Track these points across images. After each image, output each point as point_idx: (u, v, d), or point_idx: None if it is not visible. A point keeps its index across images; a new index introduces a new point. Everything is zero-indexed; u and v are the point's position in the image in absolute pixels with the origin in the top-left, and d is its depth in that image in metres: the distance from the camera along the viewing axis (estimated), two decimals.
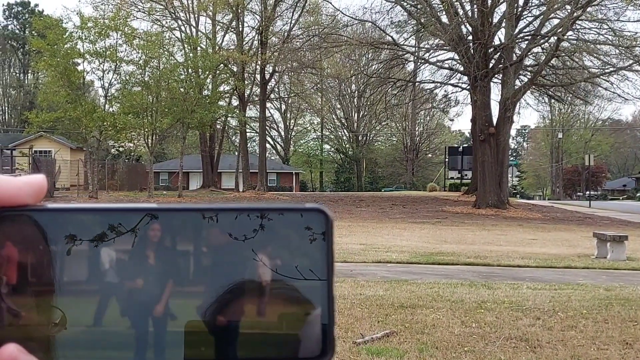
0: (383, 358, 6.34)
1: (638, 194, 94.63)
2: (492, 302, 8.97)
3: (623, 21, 42.51)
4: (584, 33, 39.77)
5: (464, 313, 8.22)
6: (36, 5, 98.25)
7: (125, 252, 0.68)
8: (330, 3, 68.88)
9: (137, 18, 54.21)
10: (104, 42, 42.98)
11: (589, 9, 37.05)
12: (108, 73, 44.12)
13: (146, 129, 43.99)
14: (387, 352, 6.48)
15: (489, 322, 7.73)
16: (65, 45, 42.31)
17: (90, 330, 0.67)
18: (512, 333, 7.22)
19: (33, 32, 51.00)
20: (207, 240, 0.70)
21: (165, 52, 45.94)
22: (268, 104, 73.14)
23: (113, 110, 44.52)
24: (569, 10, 36.61)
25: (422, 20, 42.38)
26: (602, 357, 6.47)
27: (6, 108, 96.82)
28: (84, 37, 42.46)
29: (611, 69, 39.25)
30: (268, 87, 58.99)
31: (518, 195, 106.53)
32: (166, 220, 0.70)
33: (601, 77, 40.70)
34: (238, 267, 0.69)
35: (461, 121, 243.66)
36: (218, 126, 62.70)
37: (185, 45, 51.50)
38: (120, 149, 69.31)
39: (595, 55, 39.84)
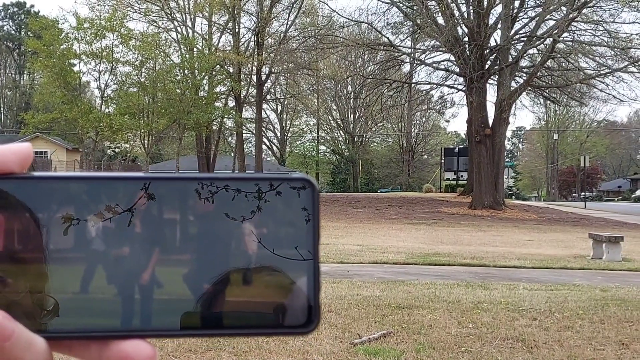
0: (380, 358, 6.36)
1: (633, 195, 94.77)
2: (488, 302, 8.99)
3: (619, 23, 42.60)
4: (580, 34, 39.86)
5: (460, 313, 8.25)
6: (32, 5, 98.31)
7: (111, 221, 0.68)
8: (327, 4, 68.98)
9: (133, 19, 54.16)
10: (100, 43, 43.01)
11: (584, 10, 37.13)
12: (104, 74, 44.13)
13: (142, 130, 43.98)
14: (384, 353, 6.50)
15: (485, 322, 7.76)
16: (62, 46, 42.28)
17: (76, 298, 0.67)
18: (509, 333, 7.25)
19: (29, 32, 51.00)
20: (194, 210, 0.69)
21: (162, 53, 45.95)
22: (264, 105, 73.19)
23: (109, 111, 44.50)
24: (564, 12, 36.67)
25: (418, 22, 42.45)
26: (599, 358, 6.49)
27: (2, 109, 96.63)
28: (80, 38, 42.46)
29: (607, 70, 39.32)
30: (264, 88, 58.99)
31: (514, 197, 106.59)
32: (152, 189, 0.69)
33: (596, 78, 40.78)
34: (224, 236, 0.69)
35: (457, 122, 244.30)
36: (214, 127, 62.60)
37: (182, 46, 51.45)
38: (117, 149, 69.21)
39: (590, 56, 39.92)
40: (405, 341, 6.91)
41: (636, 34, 37.15)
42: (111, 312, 0.68)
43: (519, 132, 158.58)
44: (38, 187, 0.66)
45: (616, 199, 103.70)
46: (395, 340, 6.95)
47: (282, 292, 0.69)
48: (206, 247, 0.70)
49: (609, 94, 42.06)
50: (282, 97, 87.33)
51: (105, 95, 44.66)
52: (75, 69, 44.77)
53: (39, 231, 0.66)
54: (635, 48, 37.46)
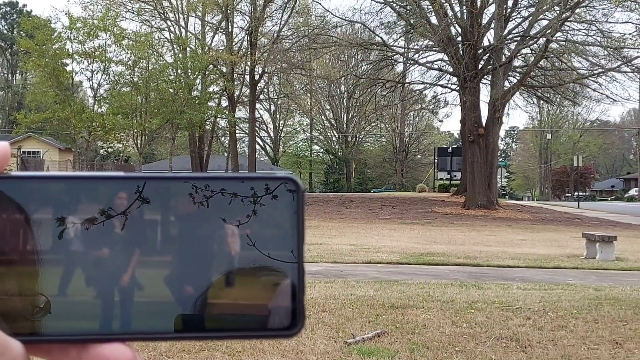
0: (374, 358, 6.33)
1: (626, 195, 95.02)
2: (482, 302, 8.98)
3: (611, 22, 42.63)
4: (573, 34, 39.93)
5: (454, 313, 8.23)
6: (24, 5, 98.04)
7: (91, 221, 0.66)
8: (320, 4, 68.91)
9: (126, 18, 54.00)
10: (93, 43, 42.89)
11: (577, 10, 37.18)
12: (97, 73, 44.01)
13: (135, 130, 43.89)
14: (378, 352, 6.47)
15: (479, 322, 7.74)
16: (54, 46, 42.17)
17: (54, 301, 0.65)
18: (503, 333, 7.23)
19: (21, 32, 50.82)
20: (176, 210, 0.68)
21: (155, 53, 45.88)
22: (257, 105, 73.11)
23: (102, 111, 44.39)
24: (557, 12, 36.72)
25: (412, 21, 42.43)
26: (593, 357, 6.48)
27: None
28: (72, 38, 42.35)
29: (600, 70, 39.38)
30: (257, 87, 58.92)
31: (507, 196, 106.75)
32: (133, 189, 0.68)
33: (590, 78, 40.85)
34: (207, 236, 0.68)
35: (450, 122, 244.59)
36: (207, 127, 62.52)
37: (175, 46, 51.37)
38: (109, 149, 69.13)
39: (583, 56, 39.99)
40: (399, 341, 6.89)
41: (629, 34, 37.23)
42: (90, 315, 0.67)
43: (512, 132, 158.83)
44: (15, 187, 0.65)
45: (609, 199, 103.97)
46: (389, 340, 6.93)
47: (265, 294, 0.68)
48: (188, 249, 0.68)
49: (602, 94, 42.19)
50: (276, 96, 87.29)
51: (98, 95, 44.56)
52: (68, 68, 44.69)
53: (16, 233, 0.64)
54: (628, 48, 37.53)
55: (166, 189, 0.69)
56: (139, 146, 45.29)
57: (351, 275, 11.91)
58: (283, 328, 0.68)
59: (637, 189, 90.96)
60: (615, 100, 43.62)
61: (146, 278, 0.68)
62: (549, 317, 8.03)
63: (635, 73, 39.72)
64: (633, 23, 37.44)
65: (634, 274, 13.24)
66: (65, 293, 0.66)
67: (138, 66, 44.08)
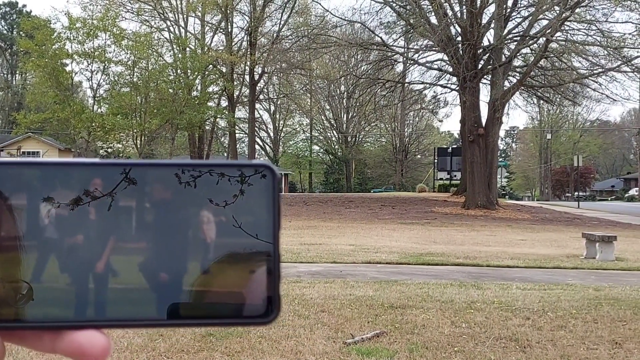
0: (373, 358, 6.33)
1: (626, 195, 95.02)
2: (481, 302, 8.97)
3: (611, 22, 42.64)
4: (573, 34, 39.89)
5: (453, 313, 8.22)
6: (24, 5, 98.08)
7: (67, 208, 0.66)
8: (319, 4, 68.94)
9: (126, 19, 54.00)
10: (93, 43, 42.90)
11: (577, 10, 37.14)
12: (96, 74, 44.02)
13: (135, 130, 43.89)
14: (377, 353, 6.47)
15: (478, 322, 7.73)
16: (54, 46, 42.17)
17: (34, 287, 0.65)
18: (502, 333, 7.22)
19: (21, 32, 50.76)
20: (151, 196, 0.68)
21: (154, 53, 45.87)
22: (257, 105, 73.11)
23: (101, 111, 44.39)
24: (557, 11, 36.69)
25: (411, 21, 42.41)
26: (592, 357, 6.47)
27: None
28: (72, 38, 42.36)
29: (600, 70, 39.35)
30: (257, 88, 58.93)
31: (507, 196, 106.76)
32: (109, 176, 0.68)
33: (590, 78, 40.82)
34: (182, 223, 0.68)
35: (450, 122, 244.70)
36: (207, 127, 62.53)
37: (174, 46, 51.37)
38: (109, 150, 69.09)
39: (583, 56, 39.96)
40: (398, 341, 6.89)
41: (629, 34, 37.20)
42: (66, 302, 0.67)
43: (512, 132, 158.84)
44: None
45: (609, 199, 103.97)
46: (388, 340, 6.92)
47: (241, 281, 0.68)
48: (164, 236, 0.68)
49: (602, 94, 42.13)
50: (275, 96, 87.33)
51: (98, 95, 44.59)
52: (68, 68, 44.70)
53: None
54: (628, 47, 37.50)
55: (143, 176, 0.68)
56: (138, 146, 45.28)
57: (350, 275, 11.90)
58: (258, 316, 0.68)
59: (637, 188, 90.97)
60: (615, 100, 43.59)
61: (121, 265, 0.68)
62: (548, 317, 8.02)
63: (635, 73, 39.69)
64: (633, 23, 37.44)
65: (634, 274, 13.23)
66: (40, 280, 0.65)
67: (137, 66, 44.10)
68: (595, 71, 39.76)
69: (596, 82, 41.18)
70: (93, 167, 0.68)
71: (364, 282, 10.77)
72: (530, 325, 7.64)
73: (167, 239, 0.68)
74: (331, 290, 9.90)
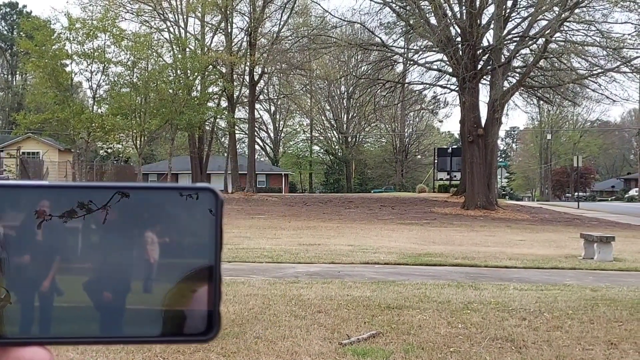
0: (369, 359, 6.34)
1: (626, 195, 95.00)
2: (478, 302, 8.98)
3: (611, 23, 42.67)
4: (572, 34, 39.88)
5: (450, 314, 8.23)
6: (24, 6, 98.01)
7: (13, 229, 0.68)
8: (319, 4, 68.94)
9: (126, 19, 54.02)
10: (92, 43, 42.86)
11: (576, 10, 37.15)
12: (96, 74, 43.99)
13: (134, 131, 43.90)
14: (372, 353, 6.48)
15: (475, 322, 7.74)
16: (53, 47, 42.16)
17: None
18: (498, 333, 7.24)
19: (21, 33, 50.76)
20: (97, 218, 0.70)
21: (154, 54, 45.86)
22: (257, 105, 73.12)
23: (101, 112, 44.41)
24: (557, 12, 36.70)
25: (411, 22, 42.42)
26: (587, 357, 6.48)
27: None
28: (72, 38, 42.35)
29: (599, 70, 39.34)
30: (257, 88, 58.93)
31: (507, 197, 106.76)
32: (56, 198, 0.70)
33: (589, 78, 40.81)
34: (127, 244, 0.70)
35: (450, 122, 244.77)
36: (207, 127, 62.53)
37: (174, 47, 51.35)
38: (109, 150, 69.08)
39: (583, 56, 39.96)
40: (394, 342, 6.90)
41: (628, 34, 37.19)
42: (12, 320, 0.68)
43: (512, 132, 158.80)
44: None
45: (609, 199, 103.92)
46: (384, 340, 6.93)
47: (182, 300, 0.71)
48: (107, 255, 0.70)
49: (602, 94, 42.10)
50: (275, 97, 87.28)
51: (98, 95, 44.60)
52: (67, 69, 44.69)
53: None
54: (627, 48, 37.51)
55: (89, 198, 0.70)
56: (138, 147, 45.29)
57: (348, 276, 11.91)
58: (199, 333, 0.71)
59: (637, 189, 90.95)
60: (615, 101, 43.56)
61: (65, 284, 0.70)
62: (544, 318, 8.03)
63: (634, 73, 39.70)
64: (632, 23, 37.42)
65: (632, 274, 13.24)
66: None
67: (137, 67, 44.10)
68: (594, 72, 39.76)
69: (595, 83, 41.19)
70: (40, 189, 0.70)
71: (362, 283, 10.78)
72: (526, 325, 7.65)
73: (112, 259, 0.70)
74: (328, 290, 9.91)
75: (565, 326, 7.62)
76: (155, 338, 0.72)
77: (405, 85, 52.17)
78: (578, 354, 6.57)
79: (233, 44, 56.34)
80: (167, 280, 0.71)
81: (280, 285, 10.35)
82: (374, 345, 6.76)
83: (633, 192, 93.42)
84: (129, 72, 44.04)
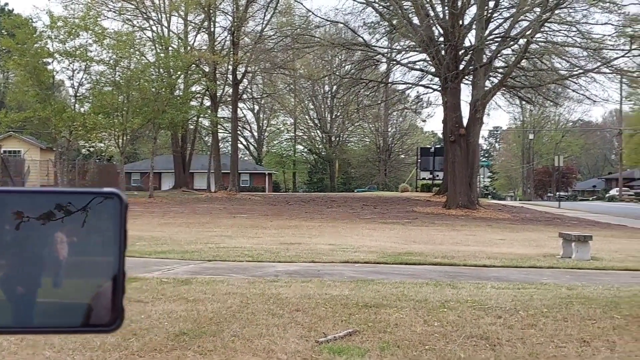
0: (344, 356, 6.40)
1: (607, 195, 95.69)
2: (455, 301, 9.05)
3: (591, 24, 42.93)
4: (553, 35, 40.14)
5: (427, 312, 8.30)
6: (6, 4, 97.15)
7: None
8: (302, 4, 68.91)
9: (108, 17, 53.95)
10: (74, 42, 42.71)
11: (557, 11, 37.38)
12: (78, 73, 43.86)
13: (117, 129, 43.76)
14: (348, 351, 6.54)
15: (451, 320, 7.82)
16: (35, 45, 41.98)
17: None
18: (473, 331, 7.31)
19: (2, 31, 50.49)
20: (10, 219, 0.75)
21: (136, 52, 45.73)
22: (241, 105, 73.07)
23: (83, 110, 44.24)
24: (538, 13, 36.94)
25: (394, 22, 42.55)
26: (560, 355, 6.57)
27: None
28: (53, 37, 42.17)
29: (580, 71, 39.61)
30: (240, 87, 58.90)
31: (490, 196, 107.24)
32: None
33: (570, 79, 41.09)
34: (37, 243, 0.76)
35: (434, 122, 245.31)
36: (190, 126, 62.45)
37: (157, 45, 51.25)
38: (91, 149, 68.83)
39: (564, 57, 40.25)
40: (370, 339, 6.96)
41: (608, 35, 37.47)
42: None
43: (495, 132, 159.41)
44: None
45: (591, 199, 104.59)
46: (360, 338, 6.99)
47: (88, 294, 0.77)
48: (20, 253, 0.76)
49: (583, 95, 42.39)
50: (259, 96, 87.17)
51: (79, 94, 44.41)
52: (49, 67, 44.50)
53: None
54: (607, 49, 37.80)
55: (3, 201, 0.75)
56: (120, 146, 45.16)
57: (328, 274, 11.97)
58: (103, 324, 0.78)
59: (617, 189, 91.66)
60: (595, 101, 43.87)
61: None
62: (519, 316, 8.12)
63: (615, 74, 40.00)
64: (612, 24, 37.70)
65: (608, 273, 13.38)
66: None
67: (119, 65, 43.96)
68: (575, 72, 40.04)
69: (576, 83, 41.48)
70: None
71: (341, 282, 10.83)
72: (501, 323, 7.73)
73: (24, 257, 0.76)
74: (307, 289, 9.96)
75: (540, 324, 7.71)
76: (64, 328, 0.79)
77: (389, 84, 52.33)
78: (551, 352, 6.66)
79: (216, 43, 56.31)
80: (75, 276, 0.77)
81: (260, 284, 10.39)
82: (350, 343, 6.82)
83: (614, 191, 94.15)
84: (111, 70, 43.90)
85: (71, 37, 42.26)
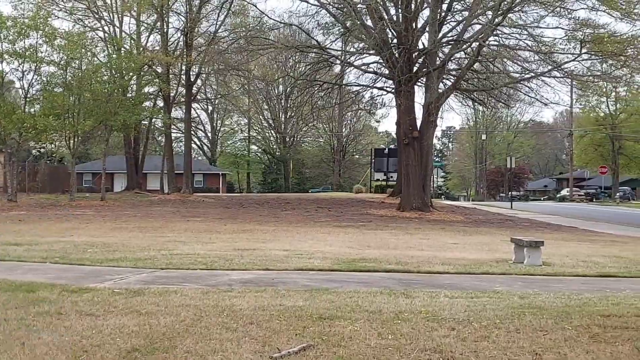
0: None
1: (558, 195, 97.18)
2: (409, 312, 9.08)
3: (542, 27, 43.57)
4: (505, 38, 40.59)
5: (381, 324, 8.31)
6: None
7: None
8: (255, 6, 68.69)
9: (59, 17, 53.15)
10: (24, 42, 41.95)
11: (510, 15, 37.81)
12: (28, 74, 43.08)
13: (68, 131, 43.15)
14: None
15: (404, 333, 7.83)
16: None
17: None
18: (427, 344, 7.34)
19: None
20: None
21: (88, 53, 45.12)
22: (194, 105, 72.57)
23: (33, 112, 43.52)
24: (490, 17, 37.32)
25: (348, 24, 42.63)
26: None
27: None
28: (2, 37, 41.38)
29: (531, 74, 40.13)
30: (194, 88, 58.50)
31: (443, 196, 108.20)
32: None
33: (521, 82, 41.61)
34: None
35: (388, 122, 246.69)
36: (143, 127, 61.87)
37: (109, 46, 50.66)
38: (42, 150, 67.79)
39: (515, 61, 40.74)
40: (325, 354, 6.94)
41: (559, 39, 38.00)
42: None
43: (449, 132, 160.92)
44: None
45: (542, 198, 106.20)
46: (314, 353, 6.97)
47: None
48: None
49: (534, 98, 42.95)
50: (213, 97, 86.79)
51: (30, 95, 43.66)
52: None
53: None
54: (558, 53, 38.32)
55: None
56: (71, 147, 44.53)
57: (282, 283, 11.93)
58: None
59: (568, 189, 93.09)
60: (546, 104, 44.50)
61: None
62: (472, 328, 8.17)
63: (565, 78, 40.60)
64: (563, 28, 38.22)
65: (559, 279, 13.56)
66: None
67: (71, 66, 43.34)
68: (526, 75, 40.56)
69: (528, 87, 42.02)
70: None
71: (295, 291, 10.80)
72: (455, 336, 7.77)
73: None
74: (261, 300, 9.91)
75: (493, 336, 7.77)
76: None
77: (343, 86, 52.43)
78: None
79: (169, 43, 55.86)
80: None
81: (214, 295, 10.31)
82: (304, 359, 6.80)
83: (564, 192, 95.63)
84: (62, 71, 43.24)
85: (21, 37, 41.53)
